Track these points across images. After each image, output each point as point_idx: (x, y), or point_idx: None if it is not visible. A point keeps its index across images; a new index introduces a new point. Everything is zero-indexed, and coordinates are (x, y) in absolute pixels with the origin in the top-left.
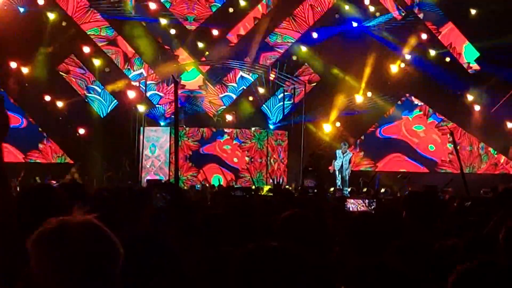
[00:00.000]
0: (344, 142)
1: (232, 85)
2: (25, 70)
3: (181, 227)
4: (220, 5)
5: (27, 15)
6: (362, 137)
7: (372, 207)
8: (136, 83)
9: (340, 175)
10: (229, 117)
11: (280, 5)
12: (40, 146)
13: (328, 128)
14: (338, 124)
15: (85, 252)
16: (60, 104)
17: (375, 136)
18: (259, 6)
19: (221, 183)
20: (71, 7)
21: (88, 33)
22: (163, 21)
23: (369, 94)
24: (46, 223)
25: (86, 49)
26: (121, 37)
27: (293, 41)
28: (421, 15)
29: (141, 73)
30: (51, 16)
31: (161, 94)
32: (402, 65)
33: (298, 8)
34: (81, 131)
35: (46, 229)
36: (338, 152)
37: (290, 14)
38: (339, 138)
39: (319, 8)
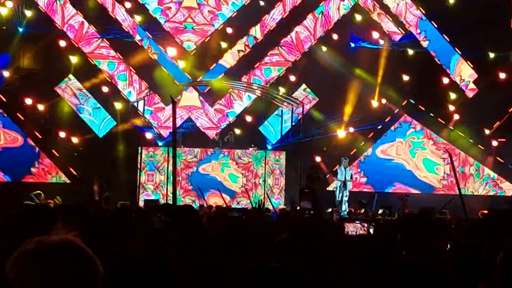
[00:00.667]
0: (345, 157)
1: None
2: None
3: (179, 247)
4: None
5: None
6: (362, 159)
7: (371, 229)
8: (135, 103)
9: (340, 194)
10: (226, 137)
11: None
12: (33, 169)
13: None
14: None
15: (62, 272)
16: (58, 124)
17: (373, 158)
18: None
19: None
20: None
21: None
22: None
23: (351, 129)
24: (25, 244)
25: (84, 69)
26: (119, 56)
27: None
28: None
29: (140, 93)
30: (73, 59)
31: (151, 108)
32: (383, 100)
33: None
34: (79, 151)
35: (23, 250)
36: (340, 168)
37: (278, 44)
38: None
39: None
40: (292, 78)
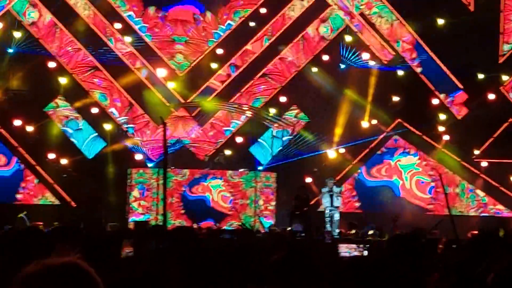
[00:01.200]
0: (330, 178)
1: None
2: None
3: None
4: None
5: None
6: (353, 182)
7: (365, 252)
8: (125, 125)
9: (330, 216)
10: (217, 159)
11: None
12: (20, 191)
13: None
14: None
15: None
16: (47, 145)
17: (363, 179)
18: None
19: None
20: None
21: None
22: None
23: (342, 150)
24: (28, 266)
25: (74, 90)
26: (112, 82)
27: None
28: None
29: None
30: (63, 81)
31: (136, 135)
32: (374, 121)
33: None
34: (69, 172)
35: (27, 272)
36: (324, 190)
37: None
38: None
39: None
40: (283, 99)
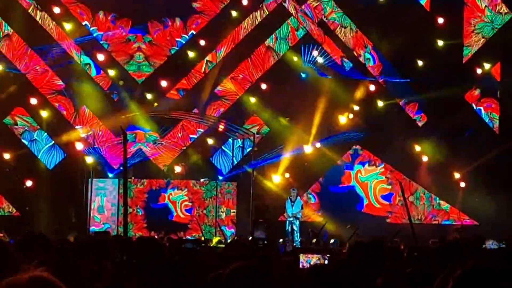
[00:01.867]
0: (293, 188)
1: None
2: None
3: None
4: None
5: None
6: (317, 190)
7: (326, 261)
8: (84, 135)
9: (290, 225)
10: (178, 169)
11: (226, 60)
12: None
13: (277, 178)
14: (287, 175)
15: None
16: (7, 156)
17: (327, 188)
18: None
19: None
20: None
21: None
22: (111, 72)
23: (318, 145)
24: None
25: (34, 101)
26: (69, 88)
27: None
28: (370, 68)
29: (89, 125)
30: None
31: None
32: (351, 115)
33: (245, 61)
34: (28, 183)
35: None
36: (288, 201)
37: (236, 67)
38: (288, 188)
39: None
40: (264, 86)
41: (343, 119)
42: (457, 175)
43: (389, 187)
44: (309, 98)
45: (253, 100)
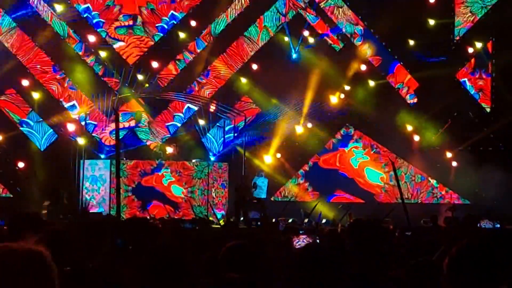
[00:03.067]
0: (259, 171)
1: (178, 115)
2: None
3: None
4: (161, 35)
5: None
6: (307, 169)
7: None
8: (76, 116)
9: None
10: (169, 149)
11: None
12: None
13: (269, 159)
14: (278, 155)
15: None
16: None
17: (318, 167)
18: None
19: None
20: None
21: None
22: (103, 54)
23: (310, 125)
24: None
25: (25, 82)
26: (61, 70)
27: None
28: (361, 46)
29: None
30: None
31: (94, 122)
32: (342, 95)
33: (235, 43)
34: (20, 164)
35: None
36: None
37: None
38: (280, 169)
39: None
40: (255, 66)
41: (334, 99)
42: (449, 155)
43: (379, 168)
44: (300, 78)
45: (244, 80)
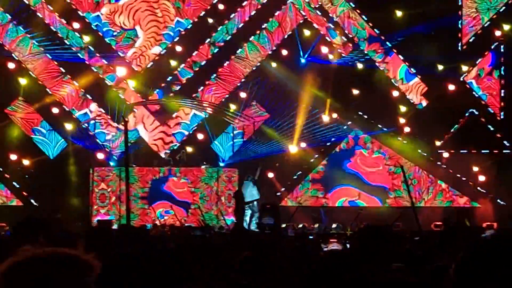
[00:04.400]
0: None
1: (185, 122)
2: None
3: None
4: (168, 43)
5: None
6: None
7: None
8: (85, 124)
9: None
10: (179, 155)
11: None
12: None
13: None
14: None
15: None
16: (9, 146)
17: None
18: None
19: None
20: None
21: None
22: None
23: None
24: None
25: (35, 90)
26: (69, 78)
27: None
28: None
29: (89, 113)
30: (23, 81)
31: (105, 131)
32: (335, 115)
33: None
34: (30, 173)
35: (15, 260)
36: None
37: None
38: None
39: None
40: (243, 95)
41: (326, 118)
42: (458, 158)
43: (387, 171)
44: (309, 83)
45: (251, 85)
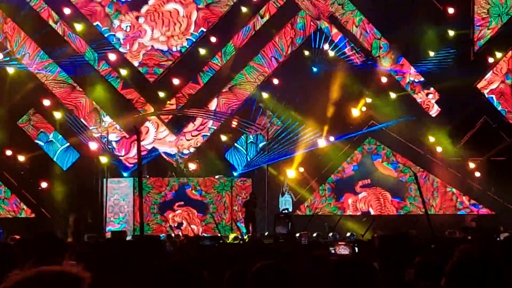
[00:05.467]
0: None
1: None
2: None
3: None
4: (183, 52)
5: None
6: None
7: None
8: (98, 135)
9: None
10: (192, 166)
11: (239, 54)
12: None
13: (292, 173)
14: (301, 169)
15: None
16: (21, 158)
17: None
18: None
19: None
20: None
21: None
22: (123, 72)
23: (332, 138)
24: (24, 272)
25: (47, 102)
26: (81, 89)
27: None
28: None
29: (102, 124)
30: (11, 70)
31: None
32: (364, 108)
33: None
34: (44, 184)
35: (23, 277)
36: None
37: (248, 62)
38: (303, 182)
39: (279, 54)
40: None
41: (356, 112)
42: (471, 165)
43: (404, 177)
44: (321, 92)
45: (265, 95)
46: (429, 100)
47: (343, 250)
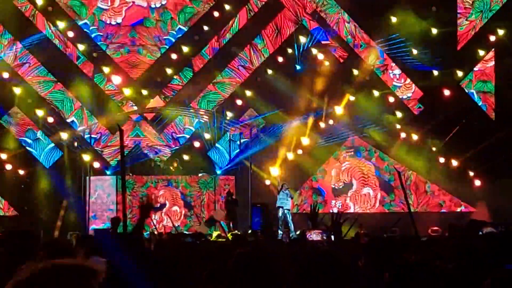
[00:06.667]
0: (284, 182)
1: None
2: None
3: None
4: (164, 50)
5: None
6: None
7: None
8: (81, 133)
9: (282, 216)
10: (174, 164)
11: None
12: None
13: (275, 171)
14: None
15: None
16: (4, 156)
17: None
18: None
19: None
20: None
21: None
22: (106, 70)
23: (315, 136)
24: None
25: (29, 100)
26: (63, 86)
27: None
28: (362, 55)
29: (85, 122)
30: (17, 91)
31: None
32: (352, 97)
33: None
34: (26, 181)
35: (19, 280)
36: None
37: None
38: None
39: (263, 51)
40: (239, 102)
41: (339, 109)
42: (454, 163)
43: (386, 176)
44: (305, 89)
45: (248, 93)
46: (413, 98)
47: (315, 236)
